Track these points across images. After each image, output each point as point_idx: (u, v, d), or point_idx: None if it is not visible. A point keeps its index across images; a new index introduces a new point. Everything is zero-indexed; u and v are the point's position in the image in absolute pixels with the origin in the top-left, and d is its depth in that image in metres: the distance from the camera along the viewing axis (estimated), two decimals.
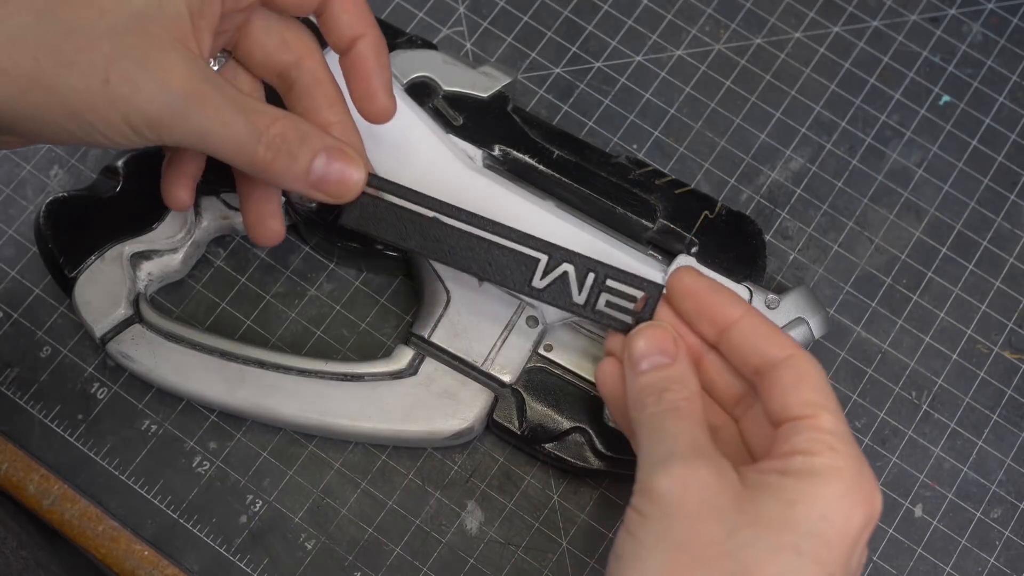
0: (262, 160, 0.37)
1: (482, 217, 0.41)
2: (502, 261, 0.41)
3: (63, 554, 0.47)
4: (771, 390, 0.37)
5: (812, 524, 0.34)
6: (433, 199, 0.41)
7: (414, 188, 0.41)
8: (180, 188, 0.43)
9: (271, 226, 0.43)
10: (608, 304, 0.41)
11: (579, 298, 0.41)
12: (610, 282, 0.41)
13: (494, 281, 0.42)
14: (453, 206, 0.41)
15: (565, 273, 0.41)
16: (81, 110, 0.35)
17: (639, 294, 0.40)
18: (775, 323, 0.47)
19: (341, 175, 0.39)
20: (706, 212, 0.49)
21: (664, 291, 0.40)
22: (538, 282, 0.41)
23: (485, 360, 0.46)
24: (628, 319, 0.41)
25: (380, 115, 0.42)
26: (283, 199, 0.48)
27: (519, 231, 0.41)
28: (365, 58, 0.41)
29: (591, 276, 0.41)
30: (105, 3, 0.35)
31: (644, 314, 0.40)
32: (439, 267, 0.47)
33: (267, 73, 0.42)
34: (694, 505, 0.34)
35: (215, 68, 0.41)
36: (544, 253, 0.41)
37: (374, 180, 0.41)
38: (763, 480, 0.35)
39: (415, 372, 0.46)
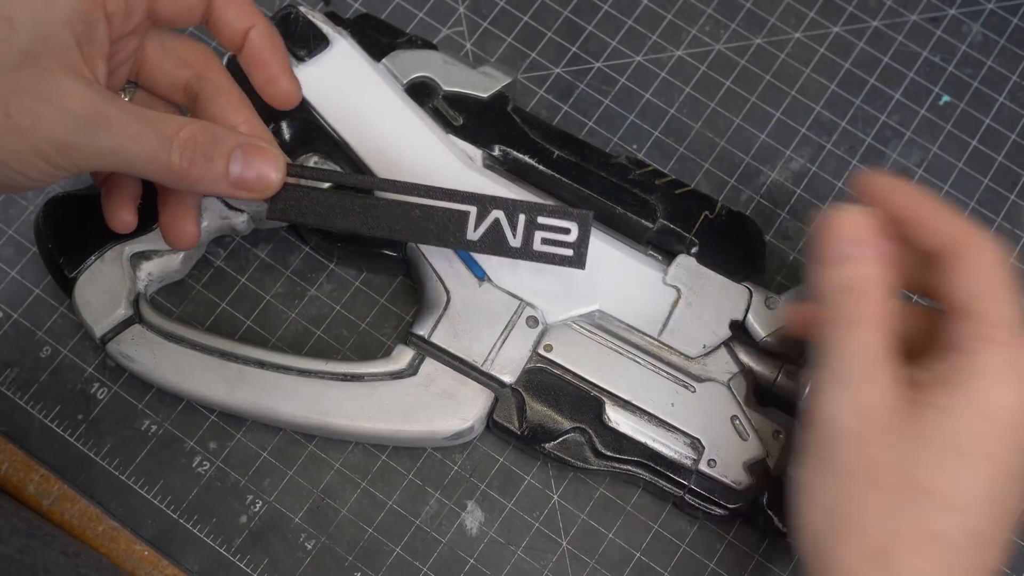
0: (178, 167, 0.37)
1: (403, 182, 0.42)
2: (433, 222, 0.41)
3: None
4: (943, 273, 0.37)
5: (972, 423, 0.35)
6: (350, 175, 0.42)
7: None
8: (123, 210, 0.44)
9: (186, 228, 0.43)
10: (544, 241, 0.41)
11: (515, 242, 0.41)
12: (541, 219, 0.41)
13: (430, 243, 0.42)
14: (371, 178, 0.42)
15: (497, 220, 0.41)
16: None
17: (572, 225, 0.41)
18: (775, 323, 0.47)
19: (260, 172, 0.39)
20: (706, 212, 0.49)
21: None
22: (472, 234, 0.41)
23: (485, 360, 0.46)
24: (567, 252, 0.41)
25: (284, 96, 0.43)
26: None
27: (442, 188, 0.41)
28: (259, 46, 0.42)
29: (522, 218, 0.41)
30: None
31: (580, 244, 0.41)
32: (439, 267, 0.47)
33: (173, 93, 0.43)
34: (859, 429, 0.35)
35: (126, 100, 0.42)
36: (472, 204, 0.41)
37: (292, 169, 0.41)
38: (923, 387, 0.36)
39: (415, 372, 0.46)
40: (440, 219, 0.41)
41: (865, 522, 0.35)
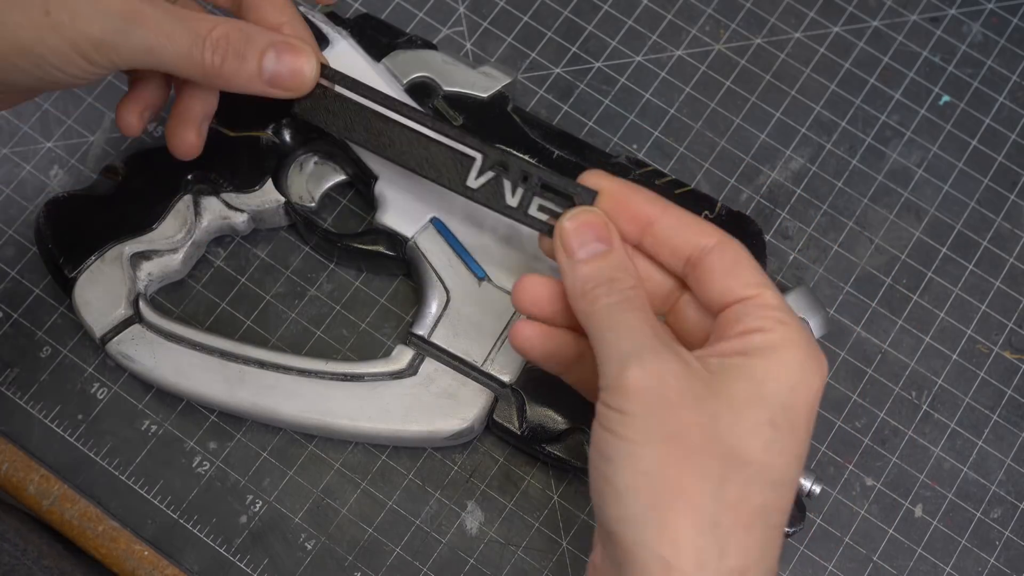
0: (210, 65, 0.39)
1: (423, 112, 0.42)
2: (438, 158, 0.41)
3: (88, 569, 0.47)
4: (709, 276, 0.37)
5: (784, 397, 0.35)
6: (378, 92, 0.42)
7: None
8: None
9: (187, 137, 0.44)
10: (540, 208, 0.40)
11: (512, 200, 0.41)
12: (544, 185, 0.40)
13: (429, 177, 0.42)
14: (396, 99, 0.42)
15: (500, 175, 0.41)
16: (29, 43, 0.37)
17: (572, 200, 0.40)
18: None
19: (293, 67, 0.40)
20: (706, 212, 0.49)
21: (596, 196, 0.39)
22: (472, 181, 0.41)
23: (485, 360, 0.46)
24: None
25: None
26: (283, 201, 0.48)
27: (458, 128, 0.42)
28: None
29: (526, 179, 0.41)
30: None
31: None
32: (439, 267, 0.47)
33: None
34: (675, 396, 0.34)
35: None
36: (479, 152, 0.41)
37: (326, 71, 0.42)
38: (727, 363, 0.35)
39: (415, 372, 0.46)
40: (445, 157, 0.41)
41: (694, 489, 0.33)
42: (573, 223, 0.38)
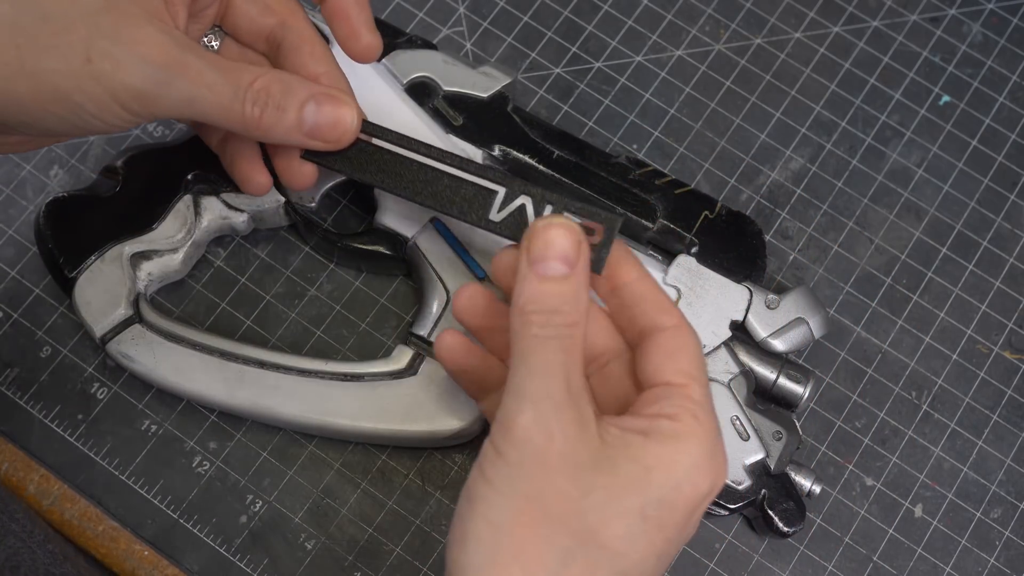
0: (250, 117, 0.38)
1: (440, 149, 0.42)
2: (459, 194, 0.41)
3: (90, 558, 0.47)
4: (652, 353, 0.36)
5: (664, 491, 0.34)
6: (393, 132, 0.42)
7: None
8: (256, 172, 0.44)
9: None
10: None
11: None
12: (567, 214, 0.38)
13: (451, 214, 0.41)
14: (412, 139, 0.42)
15: (522, 206, 0.40)
16: (67, 91, 0.36)
17: (597, 227, 0.38)
18: (775, 322, 0.47)
19: (334, 118, 0.40)
20: (706, 212, 0.49)
21: (618, 223, 0.38)
22: (495, 215, 0.40)
23: None
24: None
25: (366, 52, 0.42)
26: (283, 201, 0.48)
27: (477, 163, 0.41)
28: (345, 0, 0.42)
29: (548, 209, 0.40)
30: None
31: (602, 247, 0.38)
32: (439, 267, 0.47)
33: (256, 40, 0.43)
34: (555, 459, 0.33)
35: (215, 46, 0.43)
36: (502, 185, 0.40)
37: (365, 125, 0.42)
38: (625, 439, 0.34)
39: (415, 372, 0.46)
40: (467, 193, 0.41)
41: (535, 557, 0.32)
42: (546, 230, 0.36)
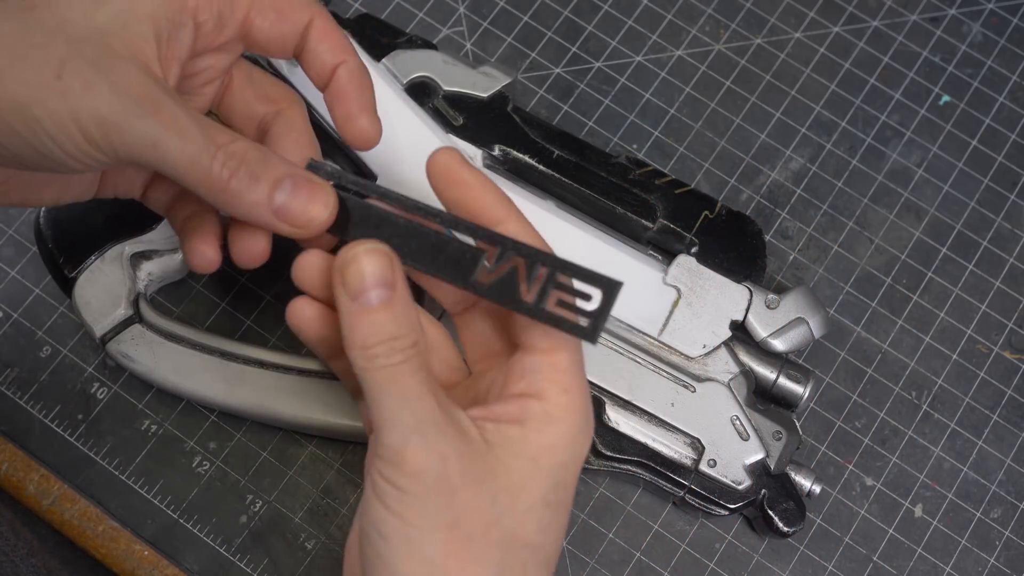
0: (217, 177, 0.35)
1: (429, 206, 0.37)
2: (445, 253, 0.36)
3: (81, 565, 0.47)
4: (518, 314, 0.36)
5: (556, 475, 0.34)
6: (368, 183, 0.38)
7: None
8: (205, 245, 0.40)
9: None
10: (560, 303, 0.35)
11: (527, 296, 0.35)
12: (562, 278, 0.35)
13: (434, 274, 0.36)
14: (401, 195, 0.38)
15: (514, 268, 0.35)
16: (29, 102, 0.33)
17: (595, 292, 0.35)
18: (775, 322, 0.47)
19: (307, 205, 0.36)
20: (706, 212, 0.49)
21: (612, 284, 0.35)
22: (482, 277, 0.36)
23: None
24: (582, 321, 0.35)
25: (361, 136, 0.40)
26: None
27: (466, 221, 0.37)
28: (345, 82, 0.40)
29: (542, 271, 0.35)
30: (67, 13, 0.34)
31: (599, 315, 0.35)
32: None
33: (247, 126, 0.41)
34: (457, 478, 0.33)
35: None
36: (492, 244, 0.36)
37: (312, 163, 0.39)
38: (504, 433, 0.34)
39: None
40: (453, 252, 0.36)
41: None
42: (355, 261, 0.34)
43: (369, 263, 0.34)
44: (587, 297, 0.35)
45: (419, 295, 0.40)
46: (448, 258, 0.37)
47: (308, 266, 0.37)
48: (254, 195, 0.35)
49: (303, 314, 0.38)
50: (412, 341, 0.34)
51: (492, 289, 0.36)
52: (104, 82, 0.34)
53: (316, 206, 0.36)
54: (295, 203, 0.36)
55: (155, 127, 0.34)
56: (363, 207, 0.38)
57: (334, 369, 0.40)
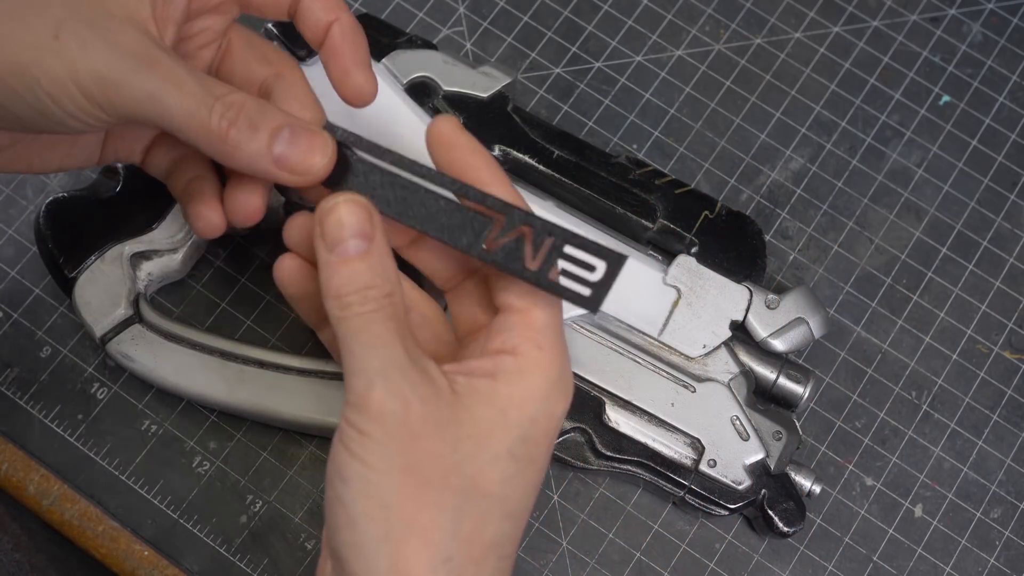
0: (217, 128, 0.35)
1: (439, 172, 0.38)
2: (454, 218, 0.37)
3: (72, 560, 0.47)
4: (496, 275, 0.37)
5: (523, 429, 0.34)
6: (393, 152, 0.38)
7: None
8: (209, 210, 0.40)
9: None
10: (563, 273, 0.36)
11: (531, 264, 0.36)
12: (568, 249, 0.36)
13: (442, 238, 0.37)
14: (409, 159, 0.38)
15: (520, 236, 0.36)
16: (27, 63, 0.34)
17: (600, 264, 0.36)
18: (775, 322, 0.47)
19: (307, 150, 0.36)
20: (706, 212, 0.49)
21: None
22: (489, 243, 0.36)
23: None
24: (585, 291, 0.36)
25: (357, 92, 0.40)
26: (283, 201, 0.48)
27: (476, 188, 0.37)
28: (339, 39, 0.40)
29: (548, 241, 0.36)
30: None
31: (602, 285, 0.36)
32: None
33: (248, 89, 0.40)
34: (418, 424, 0.33)
35: None
36: (500, 212, 0.36)
37: (328, 125, 0.39)
38: (474, 385, 0.34)
39: None
40: (461, 218, 0.37)
41: (429, 524, 0.33)
42: (334, 211, 0.35)
43: (348, 213, 0.35)
44: (591, 268, 0.36)
45: (418, 278, 0.40)
46: (455, 223, 0.37)
47: (298, 227, 0.38)
48: (253, 144, 0.36)
49: (288, 269, 0.38)
50: (386, 292, 0.34)
51: (497, 255, 0.36)
52: (101, 40, 0.34)
53: (315, 154, 0.37)
54: (294, 151, 0.36)
55: (153, 81, 0.35)
56: (368, 168, 0.38)
57: (323, 340, 0.40)
